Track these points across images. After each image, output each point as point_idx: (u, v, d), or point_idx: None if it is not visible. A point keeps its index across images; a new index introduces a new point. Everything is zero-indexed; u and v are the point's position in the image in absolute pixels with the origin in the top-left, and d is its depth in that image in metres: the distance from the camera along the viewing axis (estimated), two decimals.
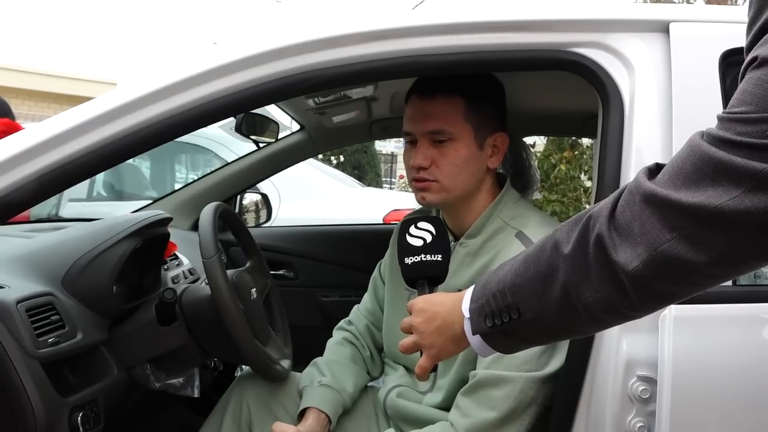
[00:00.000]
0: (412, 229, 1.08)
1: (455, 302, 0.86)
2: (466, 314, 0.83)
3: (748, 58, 0.61)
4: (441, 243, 1.07)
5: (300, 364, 1.52)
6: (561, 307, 0.72)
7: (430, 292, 1.03)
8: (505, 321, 0.77)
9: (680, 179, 0.61)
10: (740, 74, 0.62)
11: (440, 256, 1.06)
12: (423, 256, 1.05)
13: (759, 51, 0.60)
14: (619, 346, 1.01)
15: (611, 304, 0.68)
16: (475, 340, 0.83)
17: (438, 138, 1.27)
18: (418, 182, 1.30)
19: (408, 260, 1.06)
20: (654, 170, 0.66)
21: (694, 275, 0.63)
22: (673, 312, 0.98)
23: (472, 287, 0.84)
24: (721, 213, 0.58)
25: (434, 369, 0.95)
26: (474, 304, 0.82)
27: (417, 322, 0.92)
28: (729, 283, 1.02)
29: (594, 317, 0.71)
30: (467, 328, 0.83)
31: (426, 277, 1.05)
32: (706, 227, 0.60)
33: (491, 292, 0.79)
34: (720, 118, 0.61)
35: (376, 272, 1.55)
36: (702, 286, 0.66)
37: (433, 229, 1.08)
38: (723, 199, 0.58)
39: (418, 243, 1.07)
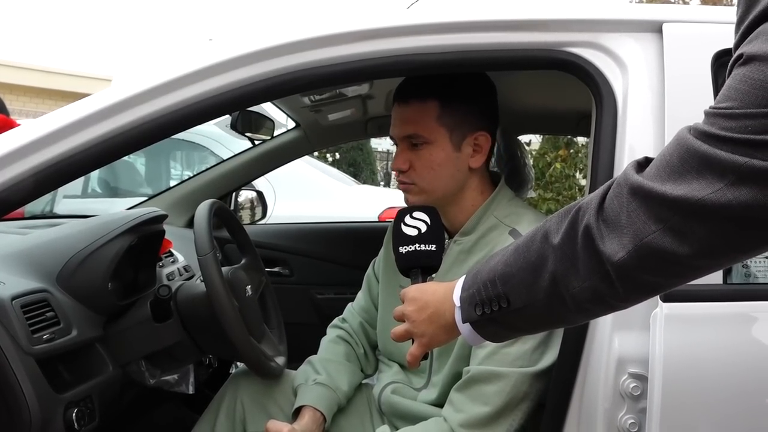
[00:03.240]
0: (407, 219, 1.10)
1: (447, 291, 0.87)
2: (457, 303, 0.84)
3: (734, 56, 0.62)
4: (435, 233, 1.08)
5: (294, 361, 1.52)
6: (549, 297, 0.73)
7: (424, 281, 1.04)
8: (495, 310, 0.78)
9: (667, 172, 0.63)
10: (727, 71, 0.63)
11: (434, 246, 1.07)
12: (417, 245, 1.06)
13: (745, 48, 0.61)
14: (611, 343, 1.01)
15: (598, 294, 0.69)
16: (465, 329, 0.84)
17: (413, 142, 1.30)
18: (401, 184, 1.34)
19: (402, 249, 1.07)
20: (643, 164, 0.67)
21: (677, 266, 0.64)
22: (664, 310, 0.99)
23: (463, 277, 0.86)
24: (704, 205, 0.59)
25: (425, 357, 0.96)
26: (465, 292, 0.83)
27: (409, 311, 0.93)
28: (720, 281, 1.03)
29: (581, 307, 0.72)
30: (458, 316, 0.84)
31: (420, 266, 1.06)
32: (690, 219, 0.61)
33: (482, 282, 0.80)
34: (706, 113, 0.62)
35: (370, 270, 1.55)
36: (686, 277, 0.67)
37: (428, 219, 1.09)
38: (706, 192, 0.59)
39: (413, 232, 1.08)
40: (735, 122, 0.59)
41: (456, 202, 1.33)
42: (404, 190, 1.33)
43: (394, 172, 1.38)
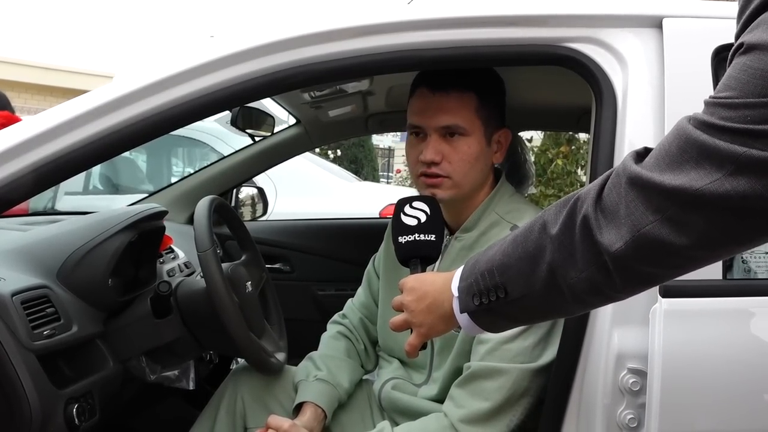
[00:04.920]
0: (407, 209, 1.09)
1: (445, 281, 0.87)
2: (455, 293, 0.84)
3: (735, 45, 0.62)
4: (435, 223, 1.08)
5: (295, 357, 1.52)
6: (547, 287, 0.73)
7: (423, 271, 1.04)
8: (492, 300, 0.78)
9: (665, 162, 0.62)
10: (728, 60, 0.63)
11: (434, 236, 1.07)
12: (417, 235, 1.06)
13: (746, 38, 0.60)
14: (611, 338, 1.01)
15: (595, 285, 0.69)
16: (462, 319, 0.84)
17: (451, 132, 1.26)
18: (428, 178, 1.27)
19: (402, 239, 1.07)
20: (642, 154, 0.67)
21: (675, 257, 0.64)
22: (663, 305, 0.99)
23: (462, 266, 0.85)
24: (702, 195, 0.59)
25: (423, 347, 0.96)
26: (463, 282, 0.83)
27: (408, 301, 0.93)
28: (720, 276, 1.03)
29: (578, 298, 0.72)
30: (456, 306, 0.84)
31: (419, 256, 1.06)
32: (688, 209, 0.60)
33: (480, 272, 0.80)
34: (706, 103, 0.62)
35: (370, 266, 1.55)
36: (684, 268, 0.67)
37: (427, 209, 1.09)
38: (704, 182, 0.59)
39: (413, 222, 1.08)
40: (734, 112, 0.58)
41: (472, 197, 1.31)
42: (432, 185, 1.26)
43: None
